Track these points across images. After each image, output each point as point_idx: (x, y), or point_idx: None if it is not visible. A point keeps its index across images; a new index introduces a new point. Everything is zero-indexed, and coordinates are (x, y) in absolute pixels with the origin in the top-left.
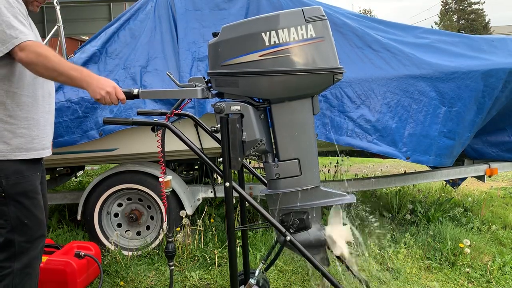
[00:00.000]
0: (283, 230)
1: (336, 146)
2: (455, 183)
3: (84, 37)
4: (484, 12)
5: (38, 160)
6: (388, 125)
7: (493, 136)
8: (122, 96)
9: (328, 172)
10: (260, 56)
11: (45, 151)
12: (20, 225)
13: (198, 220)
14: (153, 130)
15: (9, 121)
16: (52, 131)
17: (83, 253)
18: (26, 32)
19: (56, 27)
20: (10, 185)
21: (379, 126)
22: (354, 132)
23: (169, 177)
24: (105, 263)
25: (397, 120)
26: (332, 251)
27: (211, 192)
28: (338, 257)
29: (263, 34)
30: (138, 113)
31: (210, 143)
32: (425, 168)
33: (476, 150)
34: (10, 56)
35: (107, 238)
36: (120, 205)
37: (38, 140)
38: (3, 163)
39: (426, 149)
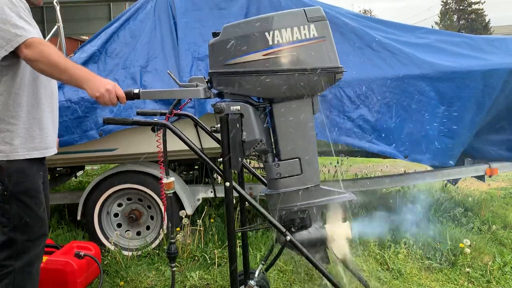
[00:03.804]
0: (283, 230)
1: (332, 145)
2: (454, 180)
3: (84, 37)
4: (484, 12)
5: (41, 160)
6: (387, 125)
7: (493, 135)
8: (122, 95)
9: (328, 172)
10: (263, 55)
11: (48, 151)
12: (22, 224)
13: (198, 220)
14: (153, 130)
15: (11, 121)
16: (56, 130)
17: (83, 253)
18: (31, 30)
19: (56, 27)
20: (12, 184)
21: (378, 126)
22: (353, 131)
23: (171, 179)
24: (105, 263)
25: (396, 120)
26: (332, 251)
27: (211, 192)
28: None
29: (266, 33)
30: (138, 113)
31: (210, 143)
32: (425, 168)
33: (476, 149)
34: (14, 56)
35: (107, 238)
36: (120, 205)
37: (39, 140)
38: (6, 163)
39: (425, 149)
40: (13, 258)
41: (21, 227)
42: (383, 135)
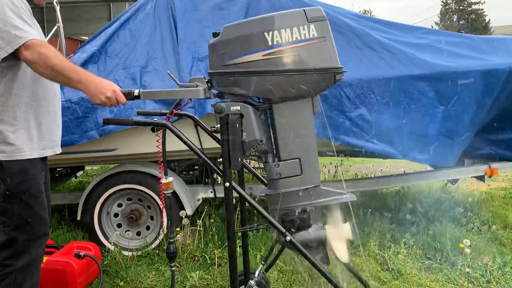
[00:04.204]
0: (283, 230)
1: (333, 145)
2: (454, 180)
3: (84, 37)
4: (484, 12)
5: (43, 160)
6: (386, 124)
7: (494, 135)
8: (123, 100)
9: (328, 172)
10: (263, 55)
11: (47, 151)
12: (23, 224)
13: (198, 220)
14: (153, 130)
15: (12, 122)
16: (59, 131)
17: (83, 254)
18: (31, 31)
19: (56, 27)
20: (14, 183)
21: (377, 125)
22: (352, 131)
23: (170, 179)
24: (105, 263)
25: (395, 120)
26: (332, 251)
27: (211, 192)
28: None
29: (265, 34)
30: (138, 113)
31: (210, 143)
32: (425, 168)
33: (476, 149)
34: (14, 58)
35: (107, 238)
36: (120, 205)
37: (39, 140)
38: (7, 163)
39: (423, 148)
40: (14, 257)
41: (22, 227)
42: (382, 135)
